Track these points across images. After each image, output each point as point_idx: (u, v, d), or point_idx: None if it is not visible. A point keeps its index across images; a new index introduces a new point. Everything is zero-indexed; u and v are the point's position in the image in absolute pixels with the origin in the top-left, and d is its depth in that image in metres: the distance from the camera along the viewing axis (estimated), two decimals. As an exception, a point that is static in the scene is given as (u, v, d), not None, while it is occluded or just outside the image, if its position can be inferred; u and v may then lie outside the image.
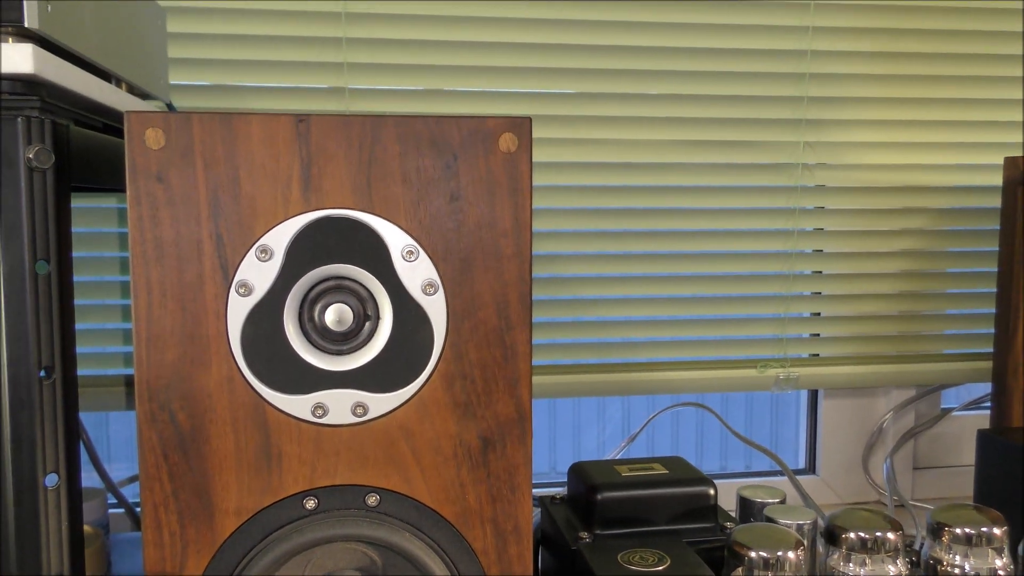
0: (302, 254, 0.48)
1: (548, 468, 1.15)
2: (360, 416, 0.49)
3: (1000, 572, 0.60)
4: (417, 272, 0.49)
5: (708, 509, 0.66)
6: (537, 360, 0.99)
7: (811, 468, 1.11)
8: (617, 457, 1.02)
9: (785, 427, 1.14)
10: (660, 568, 0.56)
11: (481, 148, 0.49)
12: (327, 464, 0.49)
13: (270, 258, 0.48)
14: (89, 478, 0.86)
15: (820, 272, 1.04)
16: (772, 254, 1.01)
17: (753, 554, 0.57)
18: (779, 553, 0.57)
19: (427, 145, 0.48)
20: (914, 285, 1.05)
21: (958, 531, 0.60)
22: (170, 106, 0.80)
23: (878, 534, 0.59)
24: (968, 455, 1.13)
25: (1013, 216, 0.91)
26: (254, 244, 0.48)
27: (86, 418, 0.88)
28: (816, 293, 1.04)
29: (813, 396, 1.11)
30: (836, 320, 1.04)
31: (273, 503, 0.49)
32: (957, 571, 0.60)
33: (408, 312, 0.49)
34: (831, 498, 1.09)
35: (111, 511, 0.89)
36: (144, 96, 0.71)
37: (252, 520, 0.49)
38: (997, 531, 0.60)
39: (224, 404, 0.48)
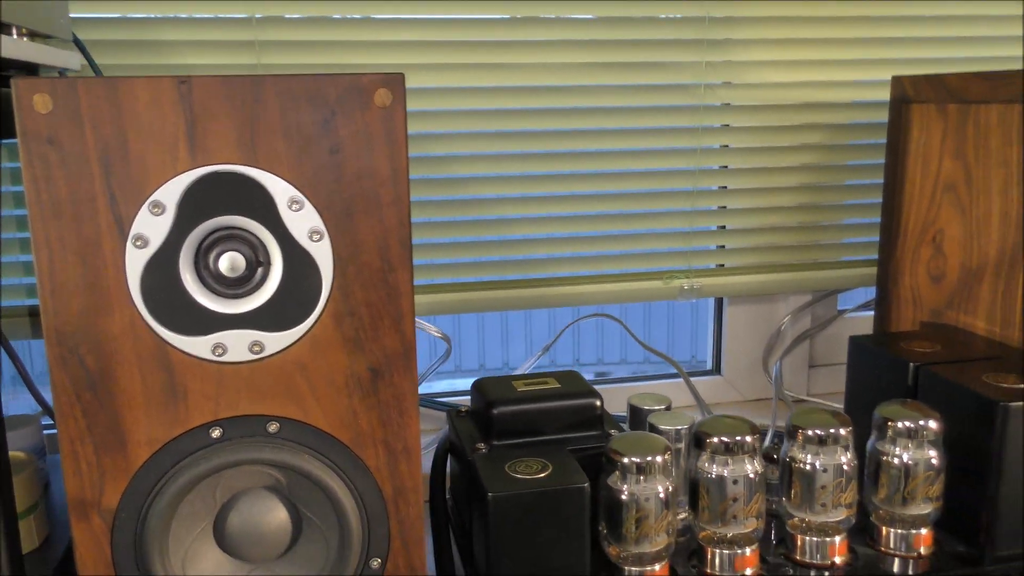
0: (193, 208, 0.52)
1: (502, 364, 1.20)
2: (257, 353, 0.54)
3: (845, 466, 0.68)
4: (303, 221, 0.53)
5: (595, 419, 0.73)
6: (455, 278, 1.04)
7: (717, 369, 1.20)
8: (531, 367, 1.09)
9: (701, 332, 1.22)
10: (541, 475, 0.63)
11: (357, 103, 0.52)
12: (229, 398, 0.54)
13: (163, 212, 0.51)
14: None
15: (725, 188, 1.09)
16: (679, 171, 1.06)
17: (626, 460, 0.64)
18: (648, 458, 0.64)
19: (305, 102, 0.52)
20: (814, 197, 1.11)
21: (810, 432, 0.68)
22: (77, 42, 0.81)
23: (737, 438, 0.66)
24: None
25: (898, 131, 0.96)
26: (146, 200, 0.51)
27: (18, 346, 0.91)
28: (722, 207, 1.10)
29: (719, 302, 1.19)
30: (740, 232, 1.10)
31: (181, 434, 0.54)
32: (808, 467, 0.68)
33: (296, 258, 0.54)
34: (734, 396, 1.18)
35: (49, 431, 0.94)
36: (46, 37, 0.71)
37: (162, 449, 0.54)
38: (843, 431, 0.68)
39: (129, 347, 0.52)
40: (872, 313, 1.02)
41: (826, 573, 0.68)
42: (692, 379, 1.17)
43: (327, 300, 0.54)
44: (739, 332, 1.17)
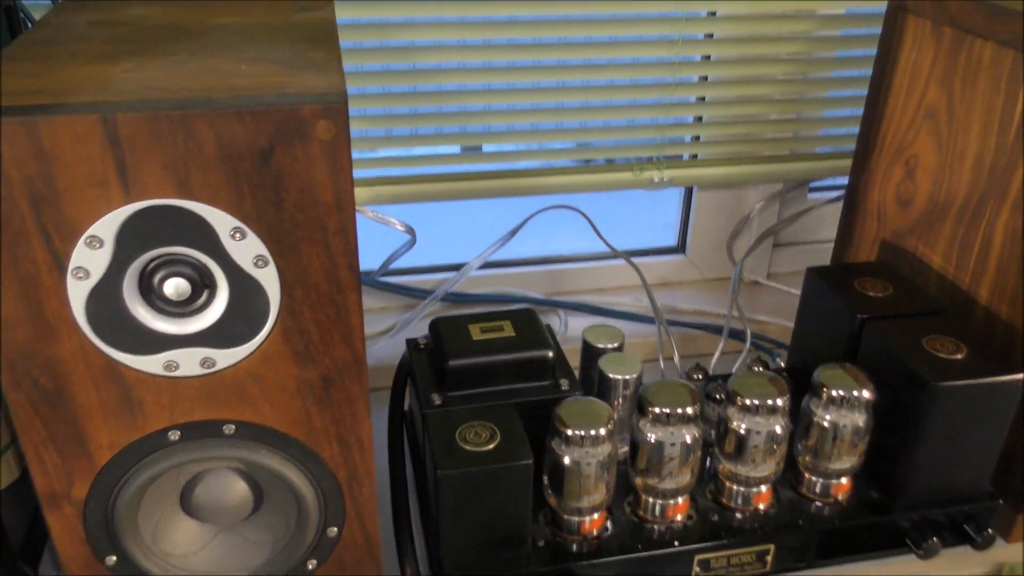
0: (132, 239, 0.50)
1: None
2: (209, 368, 0.55)
3: (778, 431, 0.72)
4: (246, 249, 0.52)
5: (546, 370, 0.75)
6: (419, 168, 1.02)
7: (681, 248, 1.21)
8: (493, 253, 1.09)
9: (669, 207, 1.22)
10: (489, 447, 0.67)
11: (296, 135, 0.50)
12: (184, 407, 0.56)
13: (101, 246, 0.50)
14: None
15: (706, 78, 1.04)
16: (658, 62, 1.01)
17: (570, 432, 0.68)
18: (591, 431, 0.68)
19: (242, 136, 0.49)
20: (797, 89, 1.07)
21: (747, 402, 0.71)
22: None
23: (678, 410, 0.69)
24: (828, 231, 1.23)
25: (889, 41, 0.91)
26: (82, 236, 0.50)
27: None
28: (700, 99, 1.06)
29: (689, 188, 1.17)
30: (717, 124, 1.07)
31: (141, 437, 0.57)
32: (743, 431, 0.72)
33: (242, 283, 0.53)
34: (695, 275, 1.21)
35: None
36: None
37: (124, 451, 0.57)
38: (780, 402, 0.71)
39: (81, 369, 0.53)
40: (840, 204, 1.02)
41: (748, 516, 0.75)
42: (656, 257, 1.19)
43: (275, 320, 0.55)
44: (706, 215, 1.17)
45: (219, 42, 0.61)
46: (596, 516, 0.72)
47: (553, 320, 1.09)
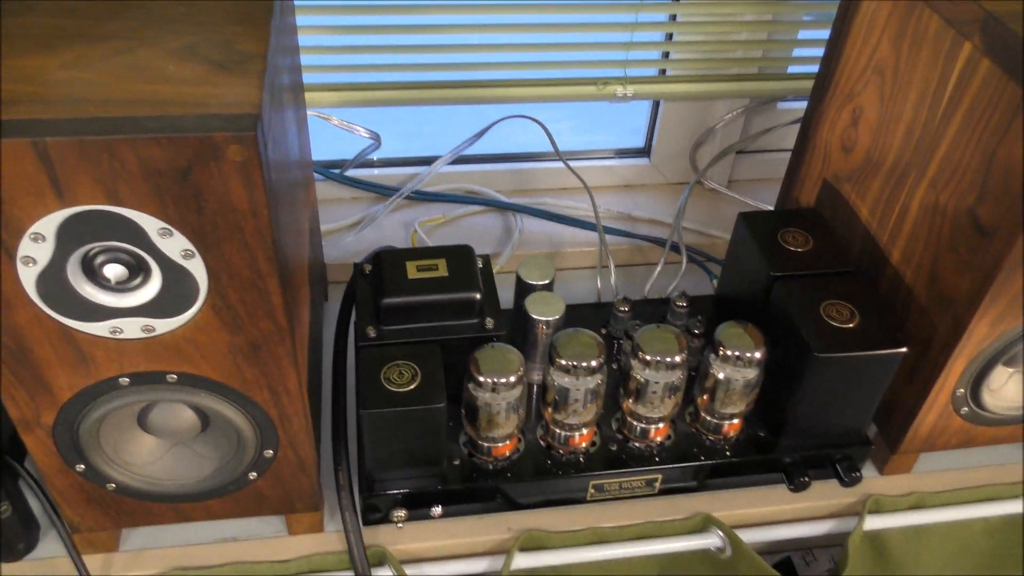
0: (71, 236, 0.57)
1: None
2: (149, 333, 0.64)
3: (676, 382, 0.80)
4: (174, 244, 0.59)
5: (474, 311, 0.83)
6: (386, 75, 1.05)
7: (647, 152, 1.24)
8: (458, 154, 1.13)
9: (642, 109, 1.23)
10: (410, 387, 0.76)
11: (211, 157, 0.55)
12: (131, 360, 0.65)
13: (44, 240, 0.57)
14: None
15: (675, -4, 1.03)
16: (626, -23, 1.00)
17: (482, 378, 0.76)
18: (502, 379, 0.76)
19: (162, 159, 0.54)
20: (770, 9, 1.05)
21: (648, 357, 0.79)
22: None
23: (583, 363, 0.77)
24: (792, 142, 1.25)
25: (855, -16, 0.89)
26: (26, 233, 0.56)
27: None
28: (672, 17, 1.05)
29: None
30: (686, 43, 1.07)
31: (95, 382, 0.66)
32: (643, 380, 0.80)
33: (173, 270, 0.60)
34: (658, 179, 1.24)
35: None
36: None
37: (81, 392, 0.66)
38: (679, 358, 0.79)
39: (38, 332, 0.62)
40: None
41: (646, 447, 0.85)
42: (621, 160, 1.23)
43: (205, 299, 0.62)
44: (672, 123, 1.19)
45: (157, 20, 0.64)
46: (507, 442, 0.82)
47: (509, 221, 1.15)
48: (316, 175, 1.12)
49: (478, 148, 1.16)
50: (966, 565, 0.99)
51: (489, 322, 0.83)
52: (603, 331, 0.96)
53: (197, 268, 0.60)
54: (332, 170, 1.14)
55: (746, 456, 0.86)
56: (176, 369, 0.66)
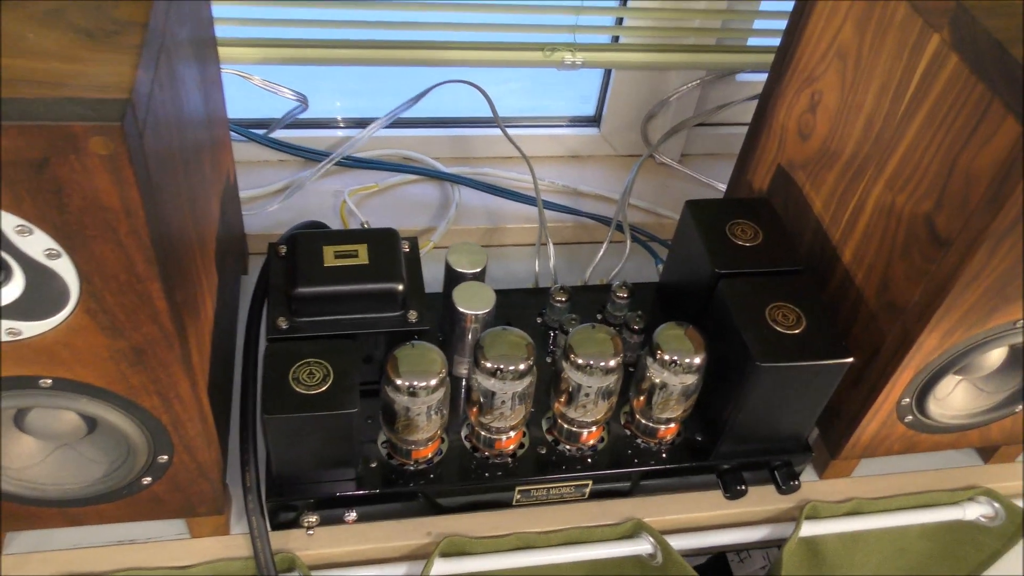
0: (-89, 232, 0.49)
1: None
2: (15, 336, 0.56)
3: (611, 386, 0.75)
4: (35, 243, 0.51)
5: (395, 301, 0.76)
6: (328, 32, 0.96)
7: (596, 121, 1.17)
8: (394, 117, 1.06)
9: (591, 78, 1.16)
10: (320, 390, 0.70)
11: (71, 149, 0.47)
12: (-4, 366, 0.58)
13: None
14: None
15: (629, -43, 0.96)
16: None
17: (399, 381, 0.70)
18: (421, 383, 0.70)
19: (13, 149, 0.46)
20: (728, -25, 0.98)
21: (580, 361, 0.74)
22: None
23: (511, 367, 0.72)
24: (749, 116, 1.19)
25: (821, -42, 0.83)
26: None
27: None
28: (622, -22, 0.97)
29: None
30: (642, 10, 1.00)
31: (-43, 387, 0.59)
32: (575, 384, 0.75)
33: (36, 270, 0.53)
34: (607, 151, 1.18)
35: None
36: None
37: (-58, 398, 0.59)
38: (613, 363, 0.74)
39: None
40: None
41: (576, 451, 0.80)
42: (570, 129, 1.16)
43: (77, 301, 0.55)
44: (624, 92, 1.12)
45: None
46: (428, 445, 0.77)
47: (447, 193, 1.08)
48: (236, 135, 1.03)
49: (417, 111, 1.08)
50: (902, 565, 0.97)
51: (412, 315, 0.77)
52: (539, 320, 0.90)
53: (65, 269, 0.53)
54: (255, 130, 1.05)
55: (681, 463, 0.81)
56: (50, 374, 0.59)
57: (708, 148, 1.20)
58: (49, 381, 0.60)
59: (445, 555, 0.79)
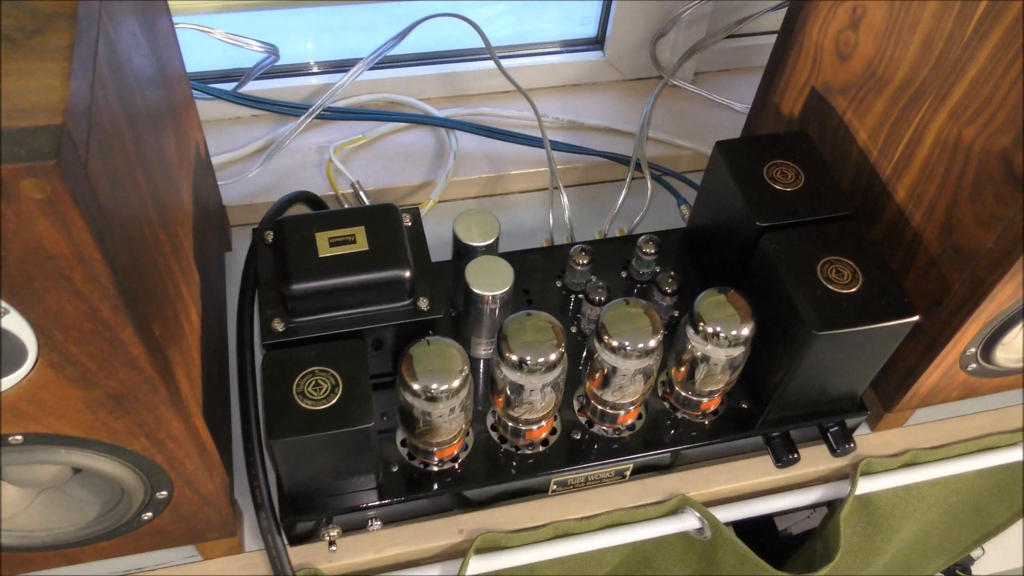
0: None
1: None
2: (-29, 398, 0.48)
3: (649, 366, 0.68)
4: (-25, 302, 0.42)
5: (403, 290, 0.68)
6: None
7: (600, 43, 1.05)
8: (380, 55, 0.95)
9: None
10: (330, 404, 0.62)
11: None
12: (-46, 430, 0.50)
13: None
14: None
15: None
16: None
17: (416, 386, 0.63)
18: (443, 386, 0.63)
19: (-78, 205, 0.37)
20: None
21: (615, 343, 0.66)
22: None
23: (541, 358, 0.64)
24: (769, 25, 1.08)
25: None
26: None
27: None
28: None
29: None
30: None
31: (-87, 455, 0.51)
32: (610, 367, 0.67)
33: (-18, 329, 0.44)
34: (613, 76, 1.07)
35: None
36: None
37: (-102, 467, 0.51)
38: (652, 343, 0.66)
39: None
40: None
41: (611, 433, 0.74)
42: (570, 54, 1.05)
43: (37, 357, 0.46)
44: (629, 10, 1.00)
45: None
46: (452, 444, 0.70)
47: (442, 139, 0.98)
48: (200, 95, 0.92)
49: (400, 49, 0.97)
50: (954, 503, 0.92)
51: (423, 303, 0.69)
52: (558, 284, 0.82)
53: (16, 325, 0.44)
54: (221, 86, 0.94)
55: (728, 436, 0.75)
56: (19, 431, 0.51)
57: (724, 63, 1.09)
58: (20, 437, 0.52)
59: (481, 551, 0.73)
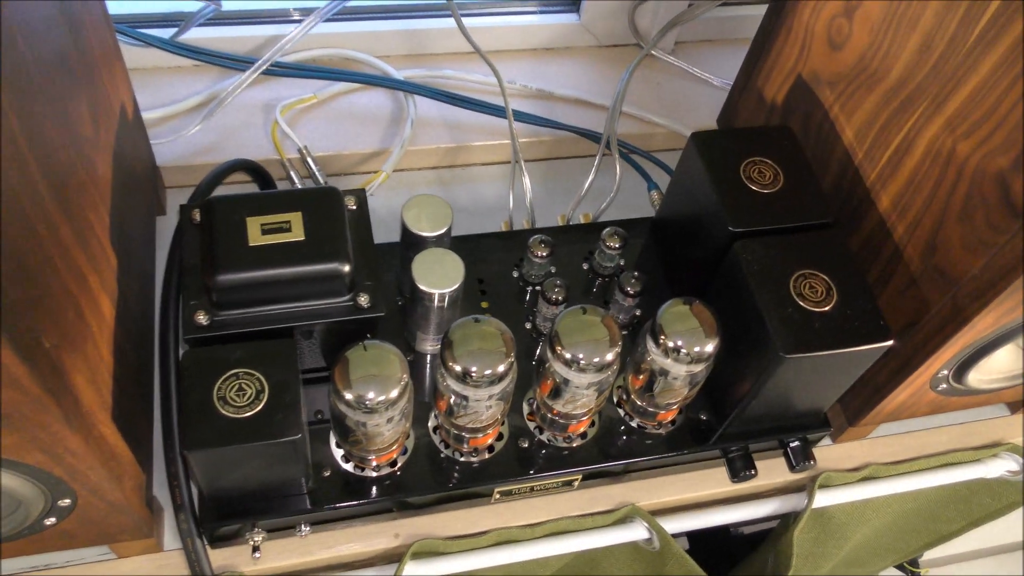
0: None
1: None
2: None
3: (605, 380, 0.63)
4: None
5: (341, 285, 0.62)
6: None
7: (575, 6, 0.98)
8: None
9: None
10: (254, 411, 0.56)
11: None
12: None
13: None
14: None
15: None
16: None
17: (348, 395, 0.57)
18: (380, 396, 0.57)
19: None
20: None
21: (568, 355, 0.61)
22: None
23: (487, 371, 0.58)
24: None
25: None
26: None
27: None
28: None
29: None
30: None
31: None
32: (564, 380, 0.63)
33: None
34: (589, 41, 1.00)
35: None
36: None
37: None
38: (609, 356, 0.61)
39: None
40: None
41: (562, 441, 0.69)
42: (544, 16, 0.98)
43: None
44: (610, -28, 0.93)
45: None
46: (390, 450, 0.65)
47: (400, 103, 0.91)
48: (132, 42, 0.84)
49: (359, 1, 0.89)
50: (909, 510, 0.90)
51: (363, 299, 0.63)
52: (515, 274, 0.77)
53: None
54: (158, 33, 0.86)
55: (684, 450, 0.71)
56: None
57: (707, 33, 1.02)
58: None
59: (417, 556, 0.69)
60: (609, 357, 0.61)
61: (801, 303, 0.63)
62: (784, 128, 0.73)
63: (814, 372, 0.64)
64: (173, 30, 0.87)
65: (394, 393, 0.58)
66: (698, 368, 0.64)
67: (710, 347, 0.63)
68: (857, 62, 0.70)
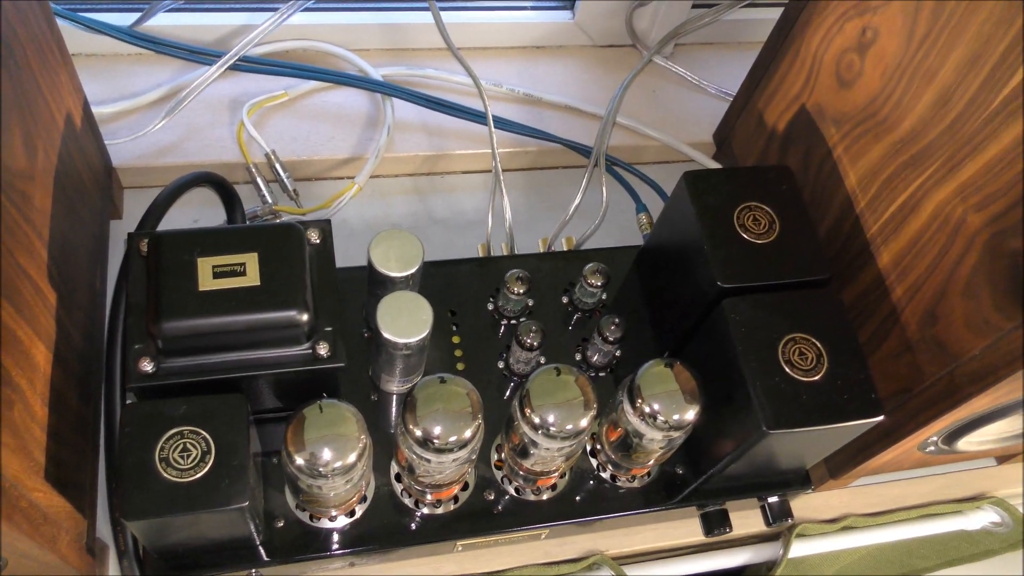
0: None
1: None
2: None
3: (579, 445, 0.59)
4: None
5: (299, 334, 0.58)
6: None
7: (570, 3, 0.92)
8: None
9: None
10: (194, 477, 0.52)
11: None
12: None
13: None
14: None
15: None
16: None
17: (299, 460, 0.53)
18: (336, 463, 0.54)
19: None
20: None
21: (537, 420, 0.57)
22: None
23: (451, 438, 0.55)
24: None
25: None
26: None
27: None
28: None
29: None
30: None
31: None
32: (538, 449, 0.59)
33: None
34: (583, 41, 0.94)
35: None
36: None
37: None
38: (584, 422, 0.57)
39: None
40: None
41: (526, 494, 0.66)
42: (536, 13, 0.91)
43: None
44: (608, -29, 0.87)
45: None
46: (347, 503, 0.62)
47: (377, 104, 0.85)
48: (83, 29, 0.78)
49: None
50: (885, 548, 0.88)
51: (323, 348, 0.59)
52: (489, 307, 0.72)
53: None
54: (116, 20, 0.79)
55: (659, 505, 0.68)
56: None
57: (708, 36, 0.96)
58: None
59: (373, 604, 0.67)
60: (583, 423, 0.57)
61: (789, 371, 0.59)
62: (783, 169, 0.68)
63: (799, 442, 0.61)
64: (137, 15, 0.80)
65: (352, 458, 0.54)
66: (676, 434, 0.60)
67: (690, 415, 0.59)
68: (867, 104, 0.65)
